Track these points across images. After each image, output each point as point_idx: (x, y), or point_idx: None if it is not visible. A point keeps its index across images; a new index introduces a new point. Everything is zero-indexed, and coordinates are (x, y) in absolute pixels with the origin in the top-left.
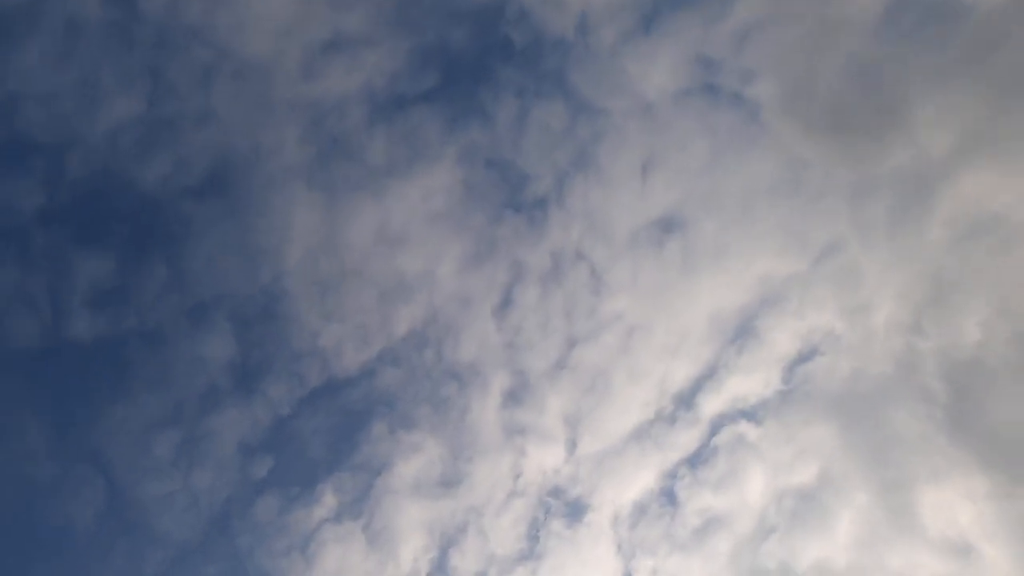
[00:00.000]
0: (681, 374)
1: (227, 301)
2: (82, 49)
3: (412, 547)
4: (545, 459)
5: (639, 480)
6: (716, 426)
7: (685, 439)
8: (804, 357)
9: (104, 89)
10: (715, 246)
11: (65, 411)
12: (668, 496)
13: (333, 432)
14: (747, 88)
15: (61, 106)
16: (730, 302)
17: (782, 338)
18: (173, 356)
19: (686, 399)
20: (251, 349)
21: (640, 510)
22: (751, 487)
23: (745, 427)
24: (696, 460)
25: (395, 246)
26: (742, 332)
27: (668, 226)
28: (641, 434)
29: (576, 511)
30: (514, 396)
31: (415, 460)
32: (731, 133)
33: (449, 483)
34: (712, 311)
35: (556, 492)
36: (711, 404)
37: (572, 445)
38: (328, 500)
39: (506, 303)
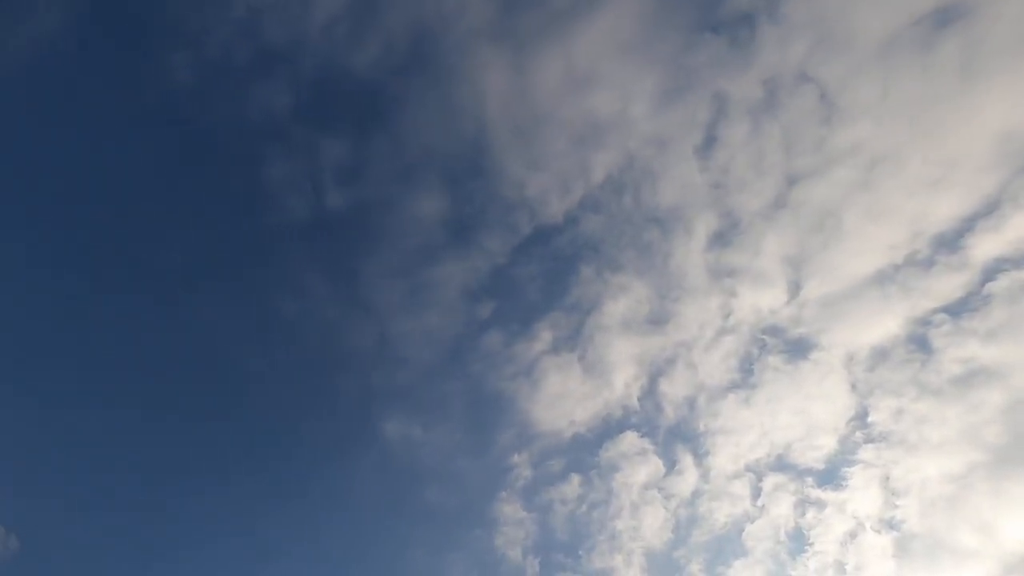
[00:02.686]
0: (944, 211)
1: (438, 162)
2: None
3: (624, 375)
4: (760, 300)
5: (880, 325)
6: (991, 272)
7: (945, 286)
8: None
9: None
10: (1012, 42)
11: (332, 266)
12: (919, 343)
13: (545, 277)
14: None
15: (285, 11)
16: None
17: None
18: (400, 216)
19: (949, 240)
20: (464, 204)
21: (881, 354)
22: None
23: None
24: (960, 308)
25: (584, 87)
26: None
27: (943, 19)
28: (884, 279)
29: (799, 349)
30: (722, 238)
31: (622, 300)
32: None
33: (656, 321)
34: (1000, 130)
35: (774, 331)
36: (985, 246)
37: (795, 287)
38: (545, 336)
39: (710, 141)
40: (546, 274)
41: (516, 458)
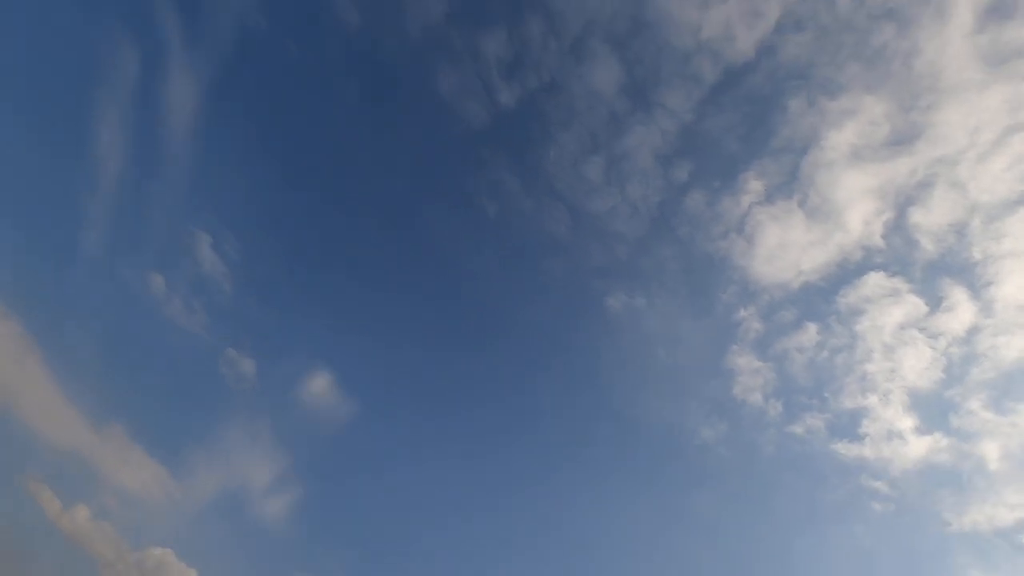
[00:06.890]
0: None
1: (600, 28)
2: None
3: (860, 213)
4: None
5: None
6: None
7: None
8: None
9: None
10: None
11: (520, 159)
12: None
13: (743, 123)
14: None
15: None
16: None
17: None
18: (574, 94)
19: None
20: (635, 66)
21: None
22: None
23: None
24: None
25: None
26: None
27: None
28: None
29: None
30: (999, 9)
31: (849, 126)
32: None
33: (901, 140)
34: None
35: None
36: None
37: None
38: (754, 186)
39: None
40: (744, 120)
41: (742, 313)
